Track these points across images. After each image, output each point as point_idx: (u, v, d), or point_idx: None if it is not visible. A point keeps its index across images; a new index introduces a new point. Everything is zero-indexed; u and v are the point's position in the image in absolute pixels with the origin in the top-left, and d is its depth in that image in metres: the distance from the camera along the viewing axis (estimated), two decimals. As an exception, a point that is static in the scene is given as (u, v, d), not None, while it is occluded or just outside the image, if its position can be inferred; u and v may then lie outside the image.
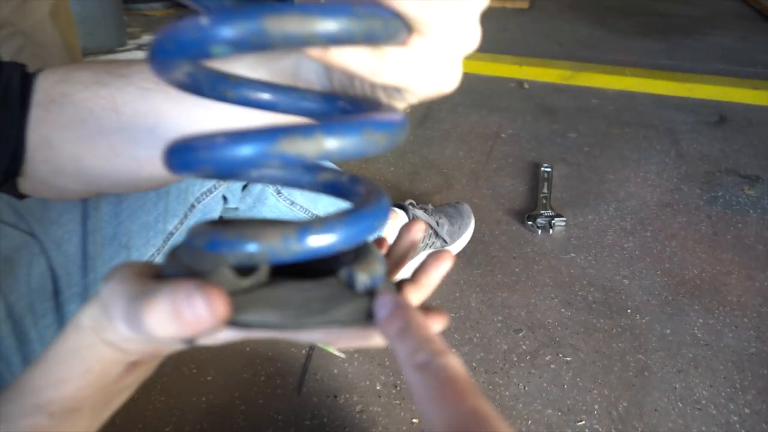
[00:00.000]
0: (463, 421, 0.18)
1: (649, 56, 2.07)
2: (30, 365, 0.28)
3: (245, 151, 0.20)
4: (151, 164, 0.40)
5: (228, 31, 0.19)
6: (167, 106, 0.39)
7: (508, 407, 0.80)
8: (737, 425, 0.77)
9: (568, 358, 0.88)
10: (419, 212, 1.04)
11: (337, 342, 0.28)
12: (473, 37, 0.27)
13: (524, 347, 0.90)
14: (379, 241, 0.30)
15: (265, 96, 0.28)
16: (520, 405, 0.81)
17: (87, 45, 1.97)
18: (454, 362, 0.20)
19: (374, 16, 0.21)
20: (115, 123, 0.40)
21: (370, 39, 0.22)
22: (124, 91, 0.40)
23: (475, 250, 1.10)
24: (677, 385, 0.83)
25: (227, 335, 0.26)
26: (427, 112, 1.65)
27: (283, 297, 0.23)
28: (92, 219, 0.57)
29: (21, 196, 0.45)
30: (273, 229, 0.21)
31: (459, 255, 1.08)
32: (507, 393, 0.83)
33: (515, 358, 0.88)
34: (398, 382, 0.84)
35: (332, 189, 0.28)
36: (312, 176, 0.29)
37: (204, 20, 0.19)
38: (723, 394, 0.82)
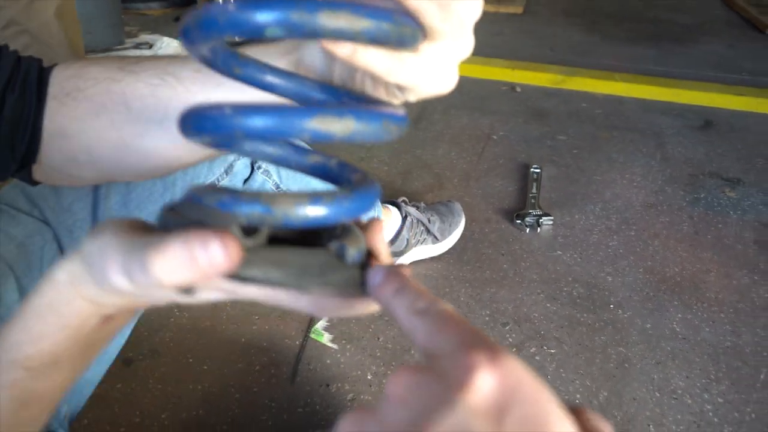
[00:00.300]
0: (470, 338, 0.20)
1: (638, 62, 2.11)
2: (6, 322, 0.28)
3: (281, 119, 0.22)
4: (158, 154, 0.43)
5: (289, 17, 0.21)
6: (175, 101, 0.42)
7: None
8: (710, 414, 0.81)
9: (552, 351, 0.91)
10: (411, 209, 1.08)
11: (326, 309, 0.29)
12: (469, 44, 0.31)
13: (510, 340, 0.93)
14: (377, 222, 0.32)
15: (269, 78, 0.30)
16: (505, 394, 0.84)
17: (85, 43, 1.99)
18: (449, 306, 0.23)
19: (406, 24, 0.25)
20: (126, 116, 0.43)
21: (399, 43, 0.25)
22: (134, 87, 0.43)
23: (465, 247, 1.14)
24: (655, 376, 0.87)
25: (227, 288, 0.27)
26: (420, 113, 1.69)
27: (284, 259, 0.26)
28: (102, 208, 0.60)
29: (34, 183, 0.48)
30: (288, 197, 0.23)
31: (449, 251, 1.12)
32: (493, 383, 0.86)
33: (501, 350, 0.91)
34: (388, 372, 0.88)
35: (320, 171, 0.30)
36: (301, 157, 0.30)
37: (267, 4, 0.21)
38: (698, 384, 0.85)
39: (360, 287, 0.27)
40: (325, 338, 0.93)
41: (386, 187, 1.34)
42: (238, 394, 0.85)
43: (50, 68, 0.47)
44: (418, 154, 1.49)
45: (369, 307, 0.28)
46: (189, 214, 0.25)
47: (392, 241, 1.04)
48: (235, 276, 0.24)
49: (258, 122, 0.23)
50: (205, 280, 0.23)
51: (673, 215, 1.25)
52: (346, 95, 0.32)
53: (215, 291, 0.28)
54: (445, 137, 1.58)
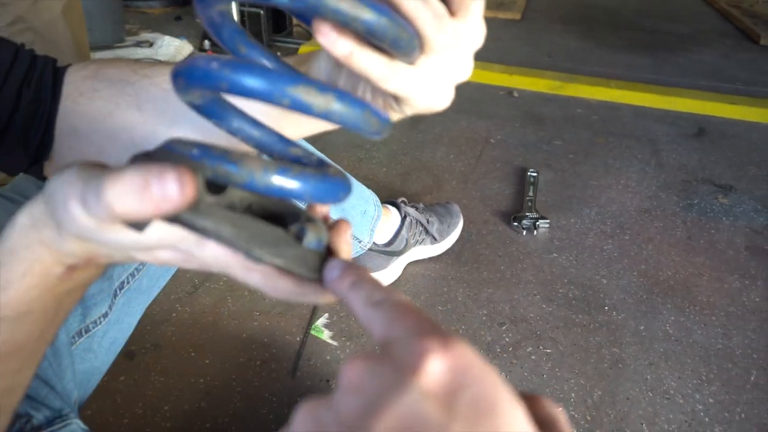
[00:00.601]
0: (422, 326, 0.20)
1: (634, 70, 2.14)
2: None
3: (266, 79, 0.22)
4: None
5: None
6: (186, 107, 0.43)
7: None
8: (701, 413, 0.83)
9: (547, 350, 0.93)
10: (411, 210, 1.09)
11: (277, 289, 0.28)
12: (467, 69, 0.32)
13: (507, 339, 0.95)
14: (344, 223, 0.31)
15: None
16: (502, 392, 0.86)
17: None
18: (405, 297, 0.23)
19: (403, 27, 0.26)
20: (138, 119, 0.45)
21: (395, 44, 0.26)
22: (148, 90, 0.45)
23: (463, 248, 1.15)
24: (648, 377, 0.89)
25: (183, 248, 0.27)
26: (419, 117, 1.70)
27: (240, 222, 0.25)
28: None
29: (45, 179, 0.50)
30: (258, 160, 0.23)
31: (447, 252, 1.14)
32: (489, 381, 0.88)
33: (498, 350, 0.93)
34: (387, 368, 0.89)
35: (298, 163, 0.30)
36: (284, 146, 0.30)
37: None
38: (690, 385, 0.87)
39: (312, 272, 0.27)
40: (325, 335, 0.95)
41: (385, 188, 1.36)
42: (240, 388, 0.86)
43: (65, 68, 0.48)
44: (417, 156, 1.51)
45: (322, 297, 0.28)
46: (157, 157, 0.25)
47: (391, 241, 1.05)
48: (187, 222, 0.24)
49: (244, 78, 0.23)
50: (156, 213, 0.22)
51: (667, 220, 1.27)
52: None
53: (170, 250, 0.28)
54: (444, 140, 1.60)
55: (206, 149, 0.24)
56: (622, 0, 3.25)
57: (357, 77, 0.34)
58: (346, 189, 0.26)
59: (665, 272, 1.11)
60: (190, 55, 0.37)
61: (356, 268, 0.26)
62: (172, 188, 0.21)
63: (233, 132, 0.30)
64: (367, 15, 0.24)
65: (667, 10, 3.09)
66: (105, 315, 0.62)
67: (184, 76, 0.24)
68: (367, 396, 0.19)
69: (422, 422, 0.17)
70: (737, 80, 2.08)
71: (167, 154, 0.24)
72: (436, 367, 0.18)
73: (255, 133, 0.30)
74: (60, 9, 1.28)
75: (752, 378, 0.89)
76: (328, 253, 0.29)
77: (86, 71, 0.47)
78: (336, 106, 0.24)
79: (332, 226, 0.31)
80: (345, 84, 0.35)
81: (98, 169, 0.24)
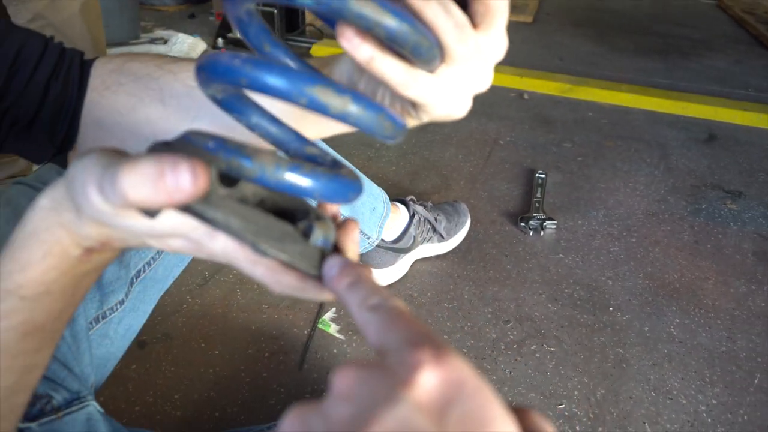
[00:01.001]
0: (417, 336, 0.20)
1: (645, 74, 2.14)
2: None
3: (286, 78, 0.23)
4: None
5: None
6: (208, 103, 0.45)
7: (494, 390, 0.86)
8: (704, 414, 0.84)
9: (552, 348, 0.94)
10: (419, 208, 1.11)
11: (280, 283, 0.29)
12: (486, 80, 0.33)
13: (512, 337, 0.96)
14: (352, 222, 0.32)
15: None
16: (506, 388, 0.87)
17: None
18: (401, 303, 0.23)
19: (425, 36, 0.26)
20: (161, 113, 0.46)
21: (415, 52, 0.27)
22: (172, 86, 0.46)
23: (470, 246, 1.17)
24: (651, 377, 0.89)
25: (194, 237, 0.28)
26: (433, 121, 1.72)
27: (250, 216, 0.26)
28: None
29: None
30: (271, 156, 0.24)
31: (454, 251, 1.15)
32: (494, 377, 0.89)
33: (503, 347, 0.94)
34: (393, 363, 0.90)
35: (313, 162, 0.29)
36: (301, 145, 0.31)
37: None
38: (693, 386, 0.88)
39: (316, 269, 0.28)
40: (333, 329, 0.96)
41: (394, 187, 1.37)
42: (248, 379, 0.88)
43: (92, 61, 0.50)
44: (426, 156, 1.52)
45: (322, 294, 0.29)
46: (174, 147, 0.25)
47: (399, 238, 1.07)
48: (198, 212, 0.25)
49: (265, 75, 0.23)
50: (169, 202, 0.23)
51: (675, 224, 1.28)
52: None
53: (181, 238, 0.29)
54: (453, 140, 1.61)
55: (222, 142, 0.24)
56: (635, 4, 3.24)
57: (377, 82, 0.35)
58: (357, 190, 0.27)
59: (671, 275, 1.12)
60: (204, 53, 0.38)
61: (355, 268, 0.27)
62: (185, 179, 0.22)
63: (251, 127, 0.31)
64: (389, 21, 0.24)
65: (680, 15, 3.08)
66: (121, 302, 0.63)
67: (207, 71, 0.25)
68: (358, 405, 0.19)
69: None
70: (750, 87, 2.07)
71: (184, 145, 0.25)
72: (428, 381, 0.18)
73: (273, 129, 0.31)
74: (78, 6, 1.31)
75: (756, 381, 0.89)
76: (335, 251, 0.30)
77: (112, 65, 0.48)
78: (352, 108, 0.25)
79: (341, 224, 0.31)
80: (365, 88, 0.36)
81: (117, 156, 0.25)
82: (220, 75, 0.25)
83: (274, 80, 0.24)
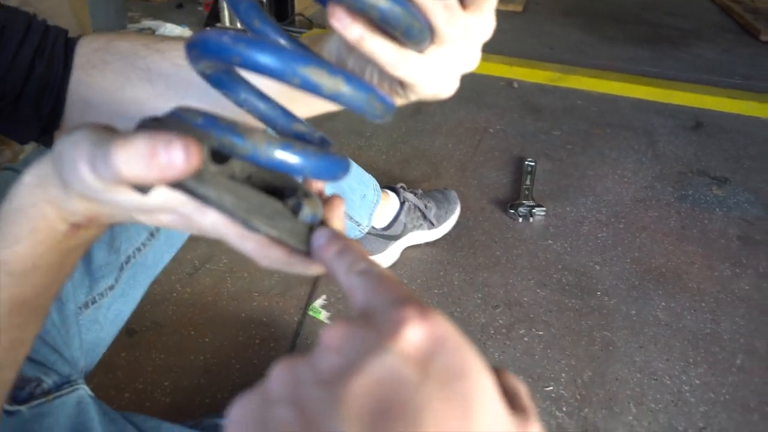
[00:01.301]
0: (403, 296, 0.21)
1: (634, 63, 2.15)
2: None
3: (278, 57, 0.23)
4: None
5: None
6: (195, 81, 0.45)
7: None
8: (687, 394, 0.85)
9: (540, 333, 0.95)
10: (409, 195, 1.11)
11: (269, 258, 0.29)
12: (474, 60, 0.33)
13: (501, 321, 0.97)
14: (338, 199, 0.33)
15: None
16: (494, 372, 0.88)
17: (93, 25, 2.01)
18: (388, 271, 0.24)
19: (416, 18, 0.27)
20: (149, 92, 0.46)
21: (407, 34, 0.27)
22: (159, 65, 0.46)
23: (460, 233, 1.17)
24: (637, 359, 0.91)
25: (183, 211, 0.28)
26: (419, 105, 1.72)
27: (241, 193, 0.27)
28: None
29: None
30: (262, 134, 0.24)
31: (444, 237, 1.15)
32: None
33: (492, 331, 0.95)
34: (383, 348, 0.91)
35: (302, 140, 0.30)
36: (289, 122, 0.31)
37: None
38: (677, 367, 0.90)
39: (304, 244, 0.29)
40: (323, 315, 0.97)
41: (384, 175, 1.38)
42: (239, 365, 0.88)
43: (76, 39, 0.49)
44: (416, 145, 1.52)
45: (311, 268, 0.30)
46: (165, 124, 0.25)
47: (390, 225, 1.07)
48: (190, 189, 0.25)
49: (257, 54, 0.23)
50: (162, 179, 0.23)
51: (661, 210, 1.29)
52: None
53: (170, 213, 0.29)
54: (443, 129, 1.61)
55: (213, 119, 0.25)
56: (624, -7, 3.24)
57: (366, 60, 0.35)
58: (345, 168, 0.27)
59: (658, 260, 1.13)
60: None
61: (342, 238, 0.27)
62: (178, 156, 0.22)
63: (240, 103, 0.31)
64: (381, 2, 0.25)
65: (669, 4, 3.09)
66: (111, 287, 0.64)
67: (198, 48, 0.25)
68: (346, 355, 0.19)
69: (397, 382, 0.18)
70: (737, 75, 2.08)
71: (175, 121, 0.25)
72: (414, 334, 0.19)
73: (261, 106, 0.31)
74: (64, -7, 1.30)
75: (738, 361, 0.91)
76: (322, 225, 0.30)
77: (97, 43, 0.48)
78: (344, 88, 0.25)
79: (326, 201, 0.32)
80: (354, 66, 0.36)
81: (108, 132, 0.26)
82: (211, 52, 0.25)
83: (266, 59, 0.24)
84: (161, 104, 0.46)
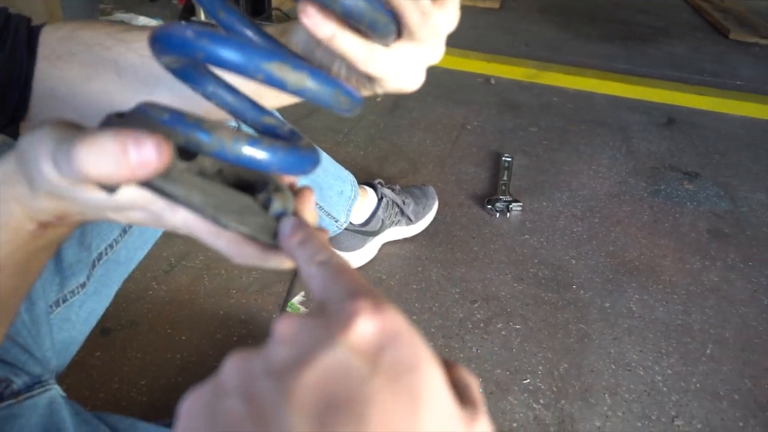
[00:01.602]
0: (358, 288, 0.21)
1: (608, 60, 2.19)
2: None
3: (242, 53, 0.23)
4: None
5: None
6: (165, 73, 0.44)
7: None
8: (660, 383, 0.87)
9: (517, 326, 0.96)
10: (387, 191, 1.11)
11: (242, 254, 0.29)
12: (439, 53, 0.33)
13: (478, 316, 0.98)
14: (308, 190, 0.32)
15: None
16: (473, 366, 0.89)
17: (64, 15, 1.96)
18: (347, 260, 0.24)
19: (381, 12, 0.27)
20: (118, 84, 0.45)
21: (372, 27, 0.27)
22: (126, 56, 0.45)
23: (438, 229, 1.18)
24: (612, 350, 0.93)
25: (153, 209, 0.28)
26: (397, 101, 1.72)
27: (210, 190, 0.26)
28: None
29: None
30: (229, 130, 0.24)
31: (422, 233, 1.16)
32: (461, 356, 0.91)
33: (470, 326, 0.96)
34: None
35: (271, 132, 0.30)
36: (258, 115, 0.31)
37: None
38: (650, 358, 0.92)
39: (273, 239, 0.28)
40: (301, 312, 0.97)
41: (363, 171, 1.38)
42: (217, 363, 0.87)
43: (39, 27, 0.48)
44: (394, 141, 1.52)
45: (283, 264, 0.29)
46: (131, 120, 0.25)
47: (368, 221, 1.07)
48: (159, 188, 0.25)
49: (220, 49, 0.23)
50: (130, 178, 0.23)
51: (635, 204, 1.32)
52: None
53: (140, 211, 0.28)
54: (421, 125, 1.62)
55: (179, 116, 0.24)
56: (598, -8, 3.29)
57: (333, 52, 0.35)
58: (314, 162, 0.27)
59: (631, 253, 1.15)
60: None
61: (306, 227, 0.27)
62: (149, 154, 0.22)
63: (208, 96, 0.31)
64: None
65: (642, 2, 3.15)
66: (83, 285, 0.62)
67: (160, 42, 0.25)
68: (298, 347, 0.19)
69: (347, 374, 0.18)
70: (706, 72, 2.14)
71: (140, 118, 0.25)
72: (365, 327, 0.19)
73: (230, 99, 0.31)
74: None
75: (708, 351, 0.93)
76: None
77: (61, 32, 0.47)
78: (309, 83, 0.25)
79: (297, 192, 0.32)
80: (322, 57, 0.36)
81: (71, 130, 0.25)
82: (174, 47, 0.24)
83: (230, 55, 0.23)
84: (130, 96, 0.45)
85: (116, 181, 0.23)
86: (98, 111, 0.46)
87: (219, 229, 0.28)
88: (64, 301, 0.60)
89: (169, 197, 0.25)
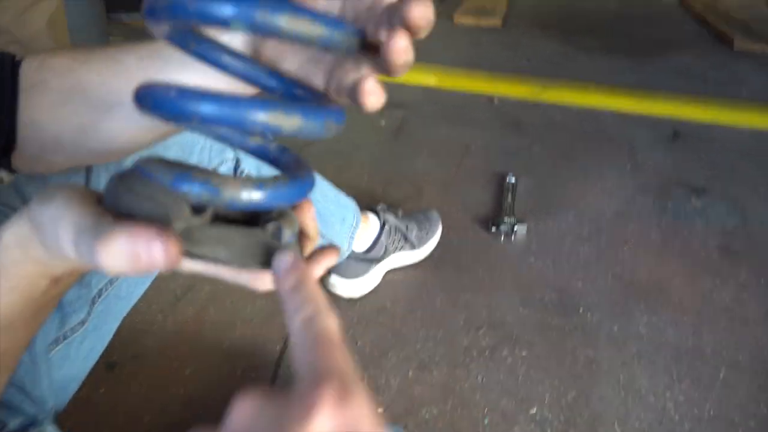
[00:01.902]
0: (327, 370, 0.21)
1: (612, 74, 2.19)
2: None
3: (231, 108, 0.23)
4: (115, 138, 0.46)
5: (255, 16, 0.23)
6: (125, 88, 0.44)
7: (467, 398, 0.87)
8: (672, 411, 0.85)
9: (523, 353, 0.95)
10: (390, 217, 1.11)
11: (261, 284, 0.31)
12: None
13: (484, 343, 0.97)
14: (307, 202, 0.33)
15: (223, 58, 0.32)
16: (478, 395, 0.88)
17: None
18: (333, 322, 0.24)
19: (335, 29, 0.26)
20: (84, 105, 0.46)
21: (325, 46, 0.27)
22: (88, 77, 0.46)
23: (442, 254, 1.17)
24: (621, 377, 0.91)
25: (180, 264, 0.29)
26: (401, 125, 1.73)
27: (229, 238, 0.28)
28: None
29: (13, 171, 0.51)
30: (235, 181, 0.25)
31: (427, 258, 1.15)
32: (466, 385, 0.89)
33: (475, 353, 0.95)
34: (366, 375, 0.91)
35: (260, 153, 0.32)
36: (244, 138, 0.32)
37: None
38: (661, 384, 0.90)
39: None
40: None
41: (366, 196, 1.38)
42: (221, 397, 0.87)
43: (20, 61, 0.49)
44: (398, 165, 1.53)
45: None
46: (138, 187, 0.26)
47: (371, 248, 1.07)
48: (186, 252, 0.26)
49: (208, 108, 0.24)
50: (145, 273, 0.24)
51: (642, 223, 1.30)
52: (290, 83, 0.34)
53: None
54: (425, 148, 1.62)
55: (183, 176, 0.25)
56: (601, 4, 3.31)
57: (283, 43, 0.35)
58: (312, 182, 0.29)
59: (639, 274, 1.14)
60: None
61: (299, 269, 0.27)
62: (159, 256, 0.23)
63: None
64: (321, 32, 0.25)
65: (644, 14, 3.15)
66: (83, 322, 0.62)
67: (144, 102, 0.25)
68: None
69: None
70: (711, 83, 2.12)
71: (147, 184, 0.26)
72: (323, 424, 0.19)
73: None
74: (45, 21, 1.30)
75: (721, 375, 0.91)
76: (300, 235, 0.31)
77: (35, 62, 0.48)
78: (303, 124, 0.26)
79: (296, 207, 0.32)
80: (271, 52, 0.36)
81: (87, 208, 0.26)
82: (158, 108, 0.25)
83: (219, 111, 0.24)
84: (97, 115, 0.45)
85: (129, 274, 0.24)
86: (72, 133, 0.47)
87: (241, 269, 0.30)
88: (64, 338, 0.61)
89: (197, 258, 0.27)
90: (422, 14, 0.27)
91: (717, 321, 1.02)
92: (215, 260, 0.27)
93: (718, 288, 1.10)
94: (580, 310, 1.04)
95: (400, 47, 0.27)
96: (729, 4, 3.13)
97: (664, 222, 1.31)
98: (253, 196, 0.25)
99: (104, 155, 0.50)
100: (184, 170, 0.25)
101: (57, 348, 0.61)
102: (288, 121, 0.25)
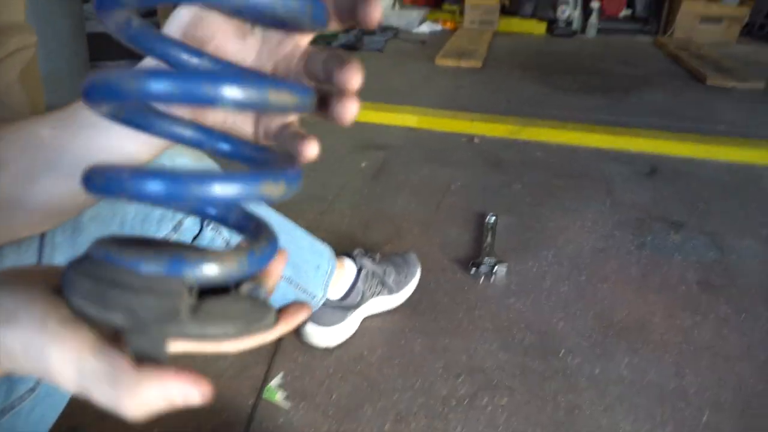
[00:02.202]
0: None
1: (589, 112, 2.23)
2: None
3: (232, 190, 0.23)
4: (47, 203, 0.45)
5: (233, 93, 0.22)
6: (59, 159, 0.43)
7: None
8: (656, 458, 0.83)
9: (503, 401, 0.92)
10: (366, 261, 1.10)
11: (246, 345, 0.31)
12: None
13: (463, 391, 0.94)
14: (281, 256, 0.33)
15: (153, 122, 0.32)
16: (457, 446, 0.85)
17: (52, 101, 2.02)
18: None
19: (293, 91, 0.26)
20: (8, 178, 0.45)
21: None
22: (12, 143, 0.45)
23: (421, 297, 1.16)
24: (603, 422, 0.88)
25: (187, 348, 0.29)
26: (381, 166, 1.74)
27: (228, 310, 0.27)
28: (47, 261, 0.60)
29: None
30: (228, 254, 0.25)
31: (405, 303, 1.13)
32: (446, 435, 0.86)
33: (454, 402, 0.92)
34: (340, 430, 0.87)
35: (223, 221, 0.32)
36: (206, 208, 0.32)
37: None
38: (644, 428, 0.87)
39: (271, 324, 0.30)
40: (279, 397, 0.93)
41: (346, 238, 1.37)
42: (188, 458, 0.83)
43: None
44: (379, 206, 1.53)
45: (273, 335, 0.31)
46: (125, 280, 0.24)
47: (347, 294, 1.05)
48: (195, 336, 0.26)
49: (155, 187, 0.22)
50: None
51: (622, 259, 1.30)
52: (253, 149, 0.34)
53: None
54: (405, 188, 1.62)
55: (179, 263, 0.24)
56: (578, 45, 3.41)
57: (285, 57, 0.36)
58: (278, 241, 0.30)
59: (620, 312, 1.12)
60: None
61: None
62: (195, 399, 0.25)
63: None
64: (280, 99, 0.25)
65: (620, 53, 3.24)
66: (32, 389, 0.60)
67: (97, 189, 0.24)
68: None
69: None
70: (686, 119, 2.17)
71: (130, 275, 0.25)
72: None
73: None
74: (17, 74, 1.31)
75: (704, 417, 0.89)
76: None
77: None
78: (288, 188, 0.26)
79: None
80: (202, 34, 0.35)
81: (88, 352, 0.25)
82: (110, 192, 0.24)
83: (186, 193, 0.23)
84: (19, 193, 0.43)
85: None
86: (31, 208, 0.46)
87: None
88: (11, 409, 0.58)
89: (206, 338, 0.26)
90: (358, 81, 0.29)
91: (699, 359, 1.01)
92: (225, 337, 0.27)
93: (699, 324, 1.09)
94: (561, 353, 1.02)
95: (353, 113, 0.30)
96: (700, 42, 3.23)
97: (644, 257, 1.30)
98: (244, 268, 0.26)
99: (36, 224, 0.48)
100: (172, 253, 0.25)
101: (2, 419, 0.58)
102: (276, 189, 0.25)
